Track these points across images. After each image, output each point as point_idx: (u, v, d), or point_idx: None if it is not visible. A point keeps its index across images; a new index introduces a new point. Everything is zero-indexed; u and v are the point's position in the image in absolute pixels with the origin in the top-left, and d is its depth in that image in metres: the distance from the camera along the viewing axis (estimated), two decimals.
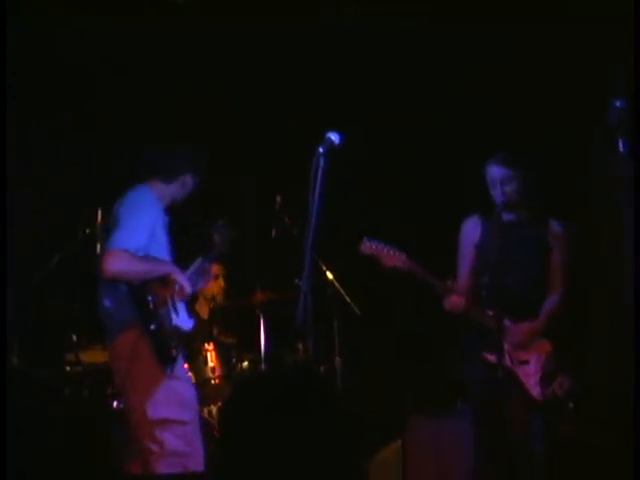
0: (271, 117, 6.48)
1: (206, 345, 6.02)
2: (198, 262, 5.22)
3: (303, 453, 1.96)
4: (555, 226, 5.00)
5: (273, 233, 5.76)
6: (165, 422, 4.80)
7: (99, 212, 5.34)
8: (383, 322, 6.36)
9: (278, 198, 5.84)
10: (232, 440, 2.01)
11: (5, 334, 5.21)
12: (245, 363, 6.10)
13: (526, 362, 4.82)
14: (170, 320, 4.88)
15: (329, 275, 5.91)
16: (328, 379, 5.76)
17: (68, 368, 5.87)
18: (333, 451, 1.98)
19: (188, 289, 4.93)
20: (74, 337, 5.90)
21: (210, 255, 5.30)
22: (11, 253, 5.05)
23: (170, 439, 4.79)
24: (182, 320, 4.97)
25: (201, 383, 5.96)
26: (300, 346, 5.81)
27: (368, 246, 4.92)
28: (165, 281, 4.87)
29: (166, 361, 4.85)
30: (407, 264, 4.87)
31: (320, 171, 3.86)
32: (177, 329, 4.90)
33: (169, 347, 4.85)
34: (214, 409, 5.95)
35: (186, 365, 5.68)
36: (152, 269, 4.86)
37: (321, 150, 3.90)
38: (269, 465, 1.95)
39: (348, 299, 5.97)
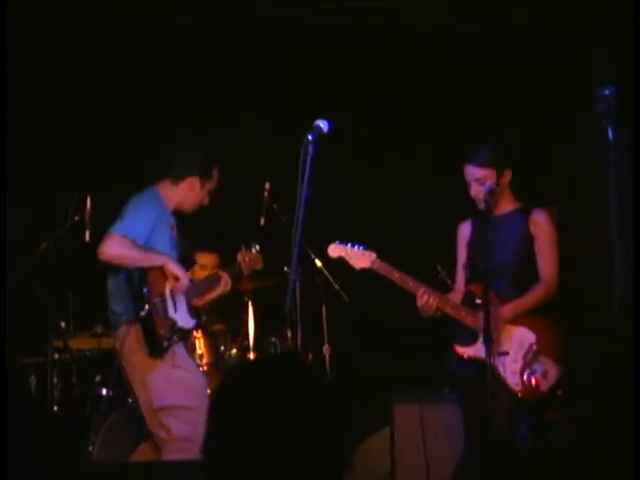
0: (262, 106, 6.47)
1: (195, 332, 6.02)
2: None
3: (291, 442, 1.97)
4: (537, 215, 4.90)
5: (262, 221, 5.75)
6: (170, 409, 4.90)
7: (88, 199, 5.32)
8: (371, 310, 6.37)
9: (267, 185, 5.83)
10: (221, 428, 2.01)
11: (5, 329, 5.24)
12: (234, 351, 6.10)
13: (505, 353, 4.70)
14: (165, 311, 4.92)
15: (318, 262, 5.91)
16: (316, 366, 5.77)
17: (57, 355, 5.86)
18: (320, 439, 1.99)
19: (185, 279, 4.96)
20: (62, 324, 5.89)
21: (226, 268, 5.38)
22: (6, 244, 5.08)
23: (177, 425, 4.89)
24: (181, 316, 5.01)
25: None
26: (289, 333, 5.81)
27: (334, 248, 4.86)
28: (164, 273, 4.94)
29: (155, 351, 4.88)
30: (376, 264, 4.77)
31: (309, 159, 3.86)
32: (173, 322, 4.93)
33: (159, 337, 4.89)
34: None
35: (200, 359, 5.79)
36: (147, 257, 4.93)
37: (310, 138, 3.90)
38: (258, 453, 1.96)
39: (337, 286, 5.98)
